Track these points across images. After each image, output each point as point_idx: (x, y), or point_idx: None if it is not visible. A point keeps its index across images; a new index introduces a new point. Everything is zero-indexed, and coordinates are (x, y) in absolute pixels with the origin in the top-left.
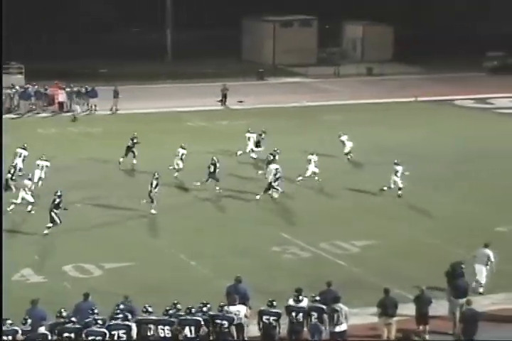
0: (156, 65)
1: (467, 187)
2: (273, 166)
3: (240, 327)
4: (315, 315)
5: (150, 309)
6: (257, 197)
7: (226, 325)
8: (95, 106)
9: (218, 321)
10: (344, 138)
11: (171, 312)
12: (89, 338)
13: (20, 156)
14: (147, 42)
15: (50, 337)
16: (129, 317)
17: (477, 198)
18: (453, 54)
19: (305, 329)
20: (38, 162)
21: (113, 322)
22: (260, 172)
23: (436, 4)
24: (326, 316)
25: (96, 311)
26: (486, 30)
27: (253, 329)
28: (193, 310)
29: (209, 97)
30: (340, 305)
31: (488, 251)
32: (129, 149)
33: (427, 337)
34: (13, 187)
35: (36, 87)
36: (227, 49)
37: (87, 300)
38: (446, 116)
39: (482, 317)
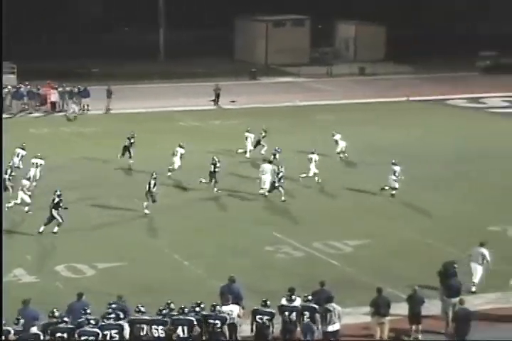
0: (149, 64)
1: (463, 187)
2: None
3: (233, 327)
4: (307, 314)
5: (143, 309)
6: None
7: (219, 325)
8: (88, 106)
9: (211, 321)
10: (337, 137)
11: (164, 312)
12: (82, 338)
13: (18, 156)
14: (140, 42)
15: (42, 337)
16: (121, 316)
17: (476, 198)
18: (445, 54)
19: (298, 328)
20: (33, 160)
21: (105, 322)
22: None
23: (433, 4)
24: (318, 316)
25: (88, 311)
26: (485, 30)
27: (246, 329)
28: (186, 310)
29: (202, 97)
30: (333, 304)
31: (484, 250)
32: (125, 149)
33: (420, 336)
34: (9, 187)
35: (29, 86)
36: (219, 49)
37: (81, 300)
38: (438, 115)
39: (475, 317)
